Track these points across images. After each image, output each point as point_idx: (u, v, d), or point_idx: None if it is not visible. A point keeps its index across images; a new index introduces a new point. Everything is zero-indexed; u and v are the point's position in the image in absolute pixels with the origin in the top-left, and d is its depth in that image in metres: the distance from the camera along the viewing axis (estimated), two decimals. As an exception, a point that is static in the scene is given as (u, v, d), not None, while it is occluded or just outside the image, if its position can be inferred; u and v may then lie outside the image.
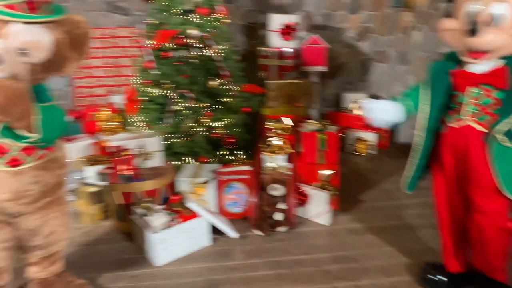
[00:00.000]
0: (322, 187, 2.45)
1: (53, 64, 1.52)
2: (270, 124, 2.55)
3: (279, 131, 2.55)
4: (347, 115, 3.43)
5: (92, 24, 3.32)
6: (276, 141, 2.46)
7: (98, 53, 3.43)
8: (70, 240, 2.16)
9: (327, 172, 2.49)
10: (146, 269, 2.02)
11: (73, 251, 2.13)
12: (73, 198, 2.52)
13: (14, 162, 1.50)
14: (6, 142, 1.48)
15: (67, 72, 1.62)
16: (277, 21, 2.96)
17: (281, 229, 2.30)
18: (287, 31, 3.01)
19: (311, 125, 2.53)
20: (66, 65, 1.58)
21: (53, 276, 1.80)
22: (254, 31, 3.55)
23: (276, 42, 3.00)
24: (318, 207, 2.39)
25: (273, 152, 2.47)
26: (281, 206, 2.29)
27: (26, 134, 1.47)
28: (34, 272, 1.77)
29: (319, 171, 2.47)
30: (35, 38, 1.43)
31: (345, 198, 2.59)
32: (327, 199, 2.36)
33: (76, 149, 2.71)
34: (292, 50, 3.06)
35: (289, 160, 2.50)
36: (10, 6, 1.37)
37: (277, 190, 2.30)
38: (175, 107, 2.67)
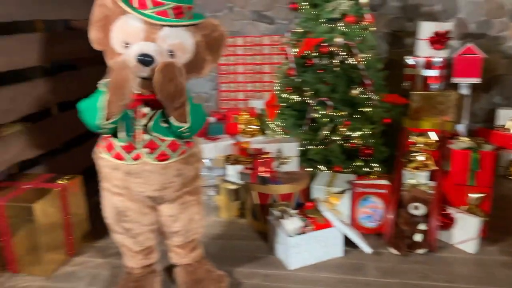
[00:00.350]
0: (470, 211, 2.21)
1: (193, 65, 1.66)
2: (414, 138, 2.40)
3: (422, 146, 2.39)
4: (501, 133, 3.05)
5: (238, 32, 3.57)
6: (419, 156, 2.30)
7: (242, 59, 3.64)
8: (209, 232, 2.34)
9: (477, 195, 2.24)
10: (279, 271, 2.06)
11: (211, 243, 2.28)
12: (214, 193, 2.72)
13: (162, 157, 1.67)
14: (157, 136, 1.64)
15: (204, 74, 1.74)
16: (427, 29, 2.79)
17: (420, 251, 2.15)
18: (438, 40, 2.80)
19: (462, 142, 2.31)
20: (204, 67, 1.71)
21: (195, 262, 1.94)
22: (399, 39, 3.40)
23: (425, 51, 2.82)
24: (463, 233, 2.17)
25: (416, 168, 2.32)
26: (422, 226, 2.14)
27: (177, 123, 1.61)
28: (177, 258, 1.94)
29: (468, 194, 2.24)
30: (180, 40, 1.57)
31: (495, 226, 2.31)
32: (475, 225, 2.13)
33: (218, 148, 2.91)
34: (441, 59, 2.84)
35: (433, 178, 2.32)
36: (161, 13, 1.52)
37: (418, 209, 2.15)
38: (313, 115, 2.68)
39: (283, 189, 2.34)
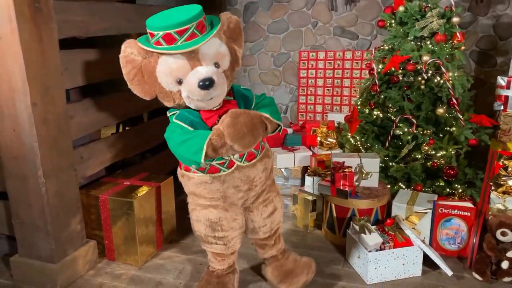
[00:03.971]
0: None
1: (233, 63, 1.72)
2: (504, 162, 2.32)
3: (513, 170, 2.30)
4: None
5: (321, 47, 3.64)
6: (510, 181, 2.22)
7: (322, 73, 3.70)
8: (286, 239, 2.41)
9: None
10: (355, 284, 2.09)
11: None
12: (290, 203, 2.81)
13: (251, 157, 1.79)
14: None
15: (240, 64, 1.78)
16: (522, 48, 2.68)
17: (506, 279, 2.06)
18: (533, 60, 2.68)
19: (559, 169, 2.19)
20: (238, 57, 1.76)
21: (279, 254, 2.04)
22: (489, 58, 3.28)
23: (518, 71, 2.71)
24: (556, 265, 2.06)
25: (505, 192, 2.24)
26: (510, 254, 2.05)
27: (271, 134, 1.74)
28: (264, 252, 2.04)
29: None
30: (216, 50, 1.62)
31: None
32: None
33: (297, 158, 3.00)
34: (536, 81, 2.70)
35: (523, 204, 2.22)
36: (190, 37, 1.54)
37: (506, 235, 2.08)
38: (396, 131, 2.68)
39: (363, 204, 2.37)
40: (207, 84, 1.54)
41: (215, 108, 1.68)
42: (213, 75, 1.56)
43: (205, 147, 1.54)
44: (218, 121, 1.65)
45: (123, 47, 1.66)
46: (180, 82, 1.61)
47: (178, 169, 1.89)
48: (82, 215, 2.22)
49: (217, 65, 1.63)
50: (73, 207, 2.15)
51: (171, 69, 1.59)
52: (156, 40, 1.57)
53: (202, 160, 1.55)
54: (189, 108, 1.68)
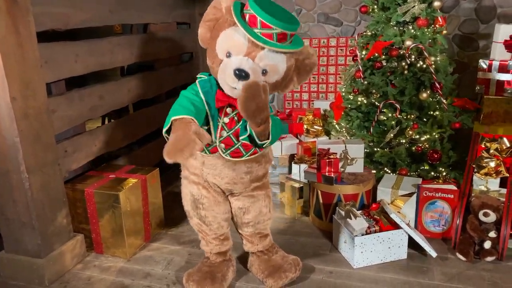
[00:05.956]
0: (545, 221, 2.14)
1: (280, 84, 1.74)
2: (486, 144, 2.35)
3: (495, 152, 2.33)
4: None
5: (305, 34, 3.63)
6: (491, 162, 2.26)
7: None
8: (274, 227, 2.44)
9: (554, 205, 2.16)
10: (343, 268, 2.12)
11: (276, 238, 2.36)
12: (277, 191, 2.82)
13: (235, 154, 1.80)
14: (244, 141, 1.77)
15: (286, 91, 1.84)
16: (504, 31, 2.69)
17: (489, 258, 2.11)
18: (514, 43, 2.70)
19: (538, 150, 2.23)
20: (288, 86, 1.79)
21: (266, 249, 2.07)
22: (471, 42, 3.30)
23: (500, 54, 2.73)
24: (537, 243, 2.11)
25: (487, 174, 2.28)
26: (492, 234, 2.10)
27: (259, 141, 1.72)
28: (250, 246, 2.07)
29: (544, 203, 2.16)
30: (275, 63, 1.65)
31: None
32: (550, 236, 2.06)
33: (283, 146, 3.01)
34: (517, 63, 2.73)
35: (504, 185, 2.26)
36: (266, 35, 1.58)
37: (488, 216, 2.12)
38: (380, 117, 2.70)
39: (348, 189, 2.39)
40: (242, 75, 1.59)
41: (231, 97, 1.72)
42: (253, 74, 1.60)
43: (170, 120, 1.64)
44: (224, 108, 1.74)
45: None
46: (228, 56, 1.65)
47: None
48: (68, 209, 2.21)
49: (265, 72, 1.65)
50: (58, 202, 2.14)
51: (232, 42, 1.63)
52: (245, 13, 1.61)
53: (164, 131, 1.66)
54: (216, 80, 1.73)
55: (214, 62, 1.71)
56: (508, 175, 2.29)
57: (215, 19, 1.69)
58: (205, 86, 1.75)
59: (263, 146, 1.77)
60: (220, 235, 1.99)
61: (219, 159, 1.80)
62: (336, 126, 3.02)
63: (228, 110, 1.76)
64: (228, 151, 1.79)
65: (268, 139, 1.73)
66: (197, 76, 1.81)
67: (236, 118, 1.76)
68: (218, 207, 1.92)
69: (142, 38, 2.83)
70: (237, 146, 1.79)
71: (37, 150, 1.99)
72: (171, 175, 2.97)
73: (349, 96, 2.89)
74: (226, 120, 1.76)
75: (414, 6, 2.57)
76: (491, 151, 2.35)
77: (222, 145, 1.78)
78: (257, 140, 1.72)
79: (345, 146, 2.53)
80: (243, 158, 1.82)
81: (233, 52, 1.63)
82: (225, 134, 1.77)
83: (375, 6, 2.76)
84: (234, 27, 1.62)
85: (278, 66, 1.66)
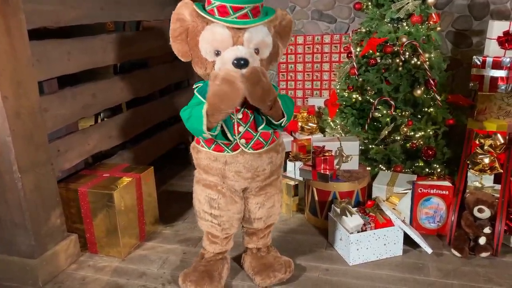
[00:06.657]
0: (539, 217, 2.15)
1: (273, 56, 1.77)
2: (480, 140, 2.36)
3: (489, 148, 2.34)
4: None
5: (300, 31, 3.62)
6: (485, 158, 2.27)
7: (301, 58, 3.69)
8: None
9: (547, 200, 2.17)
10: (339, 266, 2.12)
11: (272, 236, 2.35)
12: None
13: (257, 146, 1.81)
14: (262, 131, 1.79)
15: (278, 60, 1.85)
16: (497, 28, 2.70)
17: (483, 254, 2.12)
18: (507, 39, 2.71)
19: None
20: (279, 54, 1.82)
21: (264, 248, 2.07)
22: (465, 38, 3.31)
23: (493, 50, 2.74)
24: (531, 239, 2.12)
25: (481, 170, 2.28)
26: (487, 230, 2.11)
27: (276, 121, 1.74)
28: (250, 241, 2.07)
29: (537, 199, 2.18)
30: (262, 37, 1.67)
31: None
32: (544, 232, 2.07)
33: (278, 144, 3.00)
34: (510, 60, 2.74)
35: (498, 181, 2.27)
36: (242, 16, 1.61)
37: (483, 212, 2.13)
38: (375, 114, 2.70)
39: (344, 186, 2.39)
40: (242, 63, 1.59)
41: None
42: (250, 57, 1.61)
43: (203, 112, 1.59)
44: None
45: (179, 5, 1.68)
46: (217, 54, 1.65)
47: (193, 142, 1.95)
48: (61, 209, 2.18)
49: (257, 51, 1.67)
50: (52, 202, 2.12)
51: (215, 38, 1.63)
52: (211, 8, 1.63)
53: (204, 127, 1.60)
54: None
55: (206, 67, 1.70)
56: (502, 171, 2.30)
57: (184, 31, 1.69)
58: (205, 91, 1.72)
59: (282, 125, 1.78)
60: (228, 236, 1.98)
61: (241, 154, 1.80)
62: (331, 123, 3.02)
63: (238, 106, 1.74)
64: (250, 145, 1.79)
65: (283, 117, 1.74)
66: (193, 87, 1.80)
67: (247, 110, 1.76)
68: (234, 206, 1.89)
69: (135, 36, 2.81)
70: (256, 137, 1.80)
71: (29, 150, 1.97)
72: (165, 173, 2.96)
73: (344, 93, 2.89)
74: (240, 115, 1.76)
75: (408, 3, 2.57)
76: (485, 147, 2.35)
77: (243, 140, 1.78)
78: (275, 122, 1.74)
79: (340, 143, 2.53)
80: (264, 149, 1.82)
81: (221, 47, 1.63)
82: (242, 129, 1.77)
83: (369, 3, 2.76)
84: (208, 26, 1.64)
85: (266, 39, 1.68)
